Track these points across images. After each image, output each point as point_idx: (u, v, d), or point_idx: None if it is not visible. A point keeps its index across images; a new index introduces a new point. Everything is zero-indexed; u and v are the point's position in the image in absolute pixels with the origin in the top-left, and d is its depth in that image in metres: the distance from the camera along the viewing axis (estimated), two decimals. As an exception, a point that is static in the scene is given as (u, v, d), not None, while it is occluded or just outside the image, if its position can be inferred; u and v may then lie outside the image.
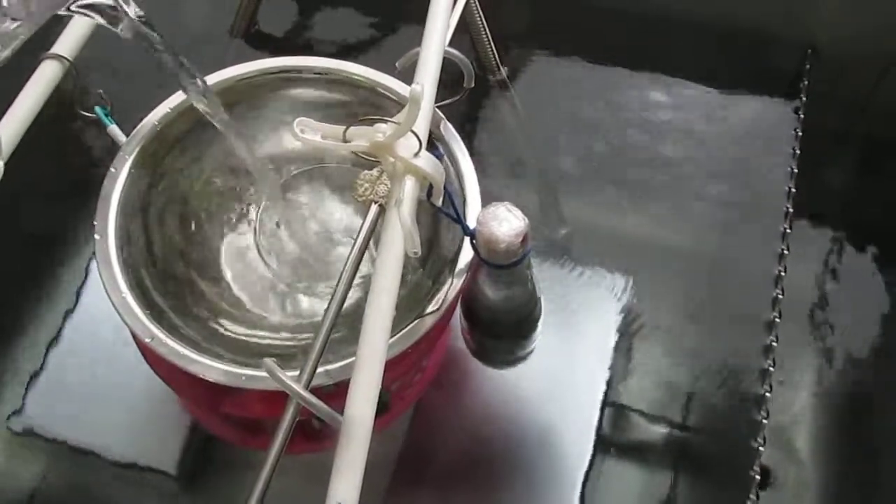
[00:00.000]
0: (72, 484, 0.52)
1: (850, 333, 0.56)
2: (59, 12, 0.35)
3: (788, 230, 0.57)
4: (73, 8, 0.35)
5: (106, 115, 0.49)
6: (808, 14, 0.64)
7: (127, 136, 0.47)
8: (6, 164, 0.41)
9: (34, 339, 0.56)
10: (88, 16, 0.36)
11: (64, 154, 0.61)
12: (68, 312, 0.56)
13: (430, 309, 0.42)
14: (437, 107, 0.46)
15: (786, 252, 0.56)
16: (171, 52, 0.38)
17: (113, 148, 0.47)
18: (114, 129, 0.48)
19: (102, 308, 0.42)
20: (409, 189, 0.37)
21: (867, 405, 0.55)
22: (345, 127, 0.37)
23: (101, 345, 0.55)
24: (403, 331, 0.41)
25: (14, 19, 0.32)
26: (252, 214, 0.50)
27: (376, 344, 0.35)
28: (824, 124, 0.63)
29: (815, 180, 0.60)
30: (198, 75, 0.41)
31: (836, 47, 0.65)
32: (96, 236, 0.43)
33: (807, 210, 0.59)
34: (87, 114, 0.49)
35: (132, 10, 0.36)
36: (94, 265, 0.57)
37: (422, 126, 0.38)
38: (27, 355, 0.55)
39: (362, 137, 0.37)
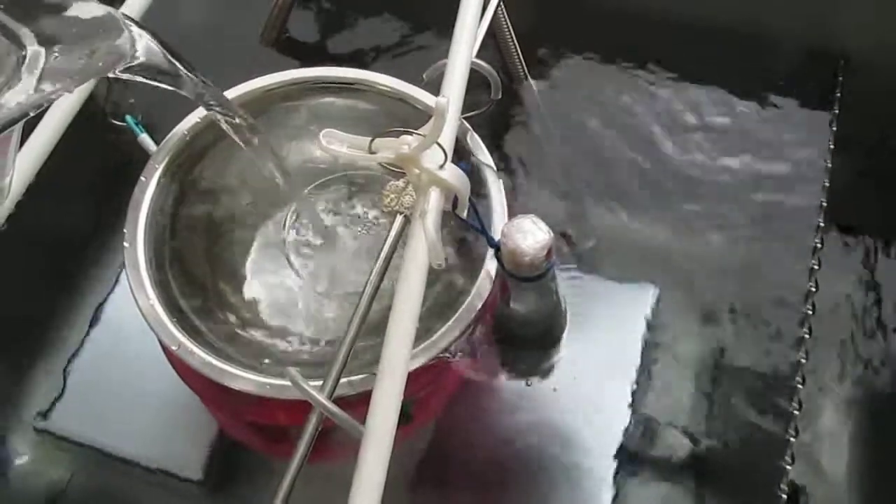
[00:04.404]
0: (97, 486, 0.53)
1: (882, 350, 0.55)
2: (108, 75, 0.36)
3: (820, 245, 0.56)
4: (118, 72, 0.36)
5: (137, 125, 0.49)
6: (842, 25, 0.63)
7: (157, 145, 0.48)
8: (37, 176, 0.42)
9: (63, 342, 0.56)
10: (131, 79, 0.37)
11: (94, 163, 0.62)
12: (97, 317, 0.57)
13: (453, 319, 0.42)
14: (464, 117, 0.46)
15: (816, 267, 0.55)
16: (197, 80, 0.39)
17: (143, 157, 0.47)
18: (144, 138, 0.49)
19: (131, 313, 0.43)
20: (433, 200, 0.37)
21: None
22: (370, 138, 0.37)
23: (130, 349, 0.55)
24: (427, 342, 0.41)
25: (52, 83, 0.33)
26: (280, 223, 0.51)
27: (399, 355, 0.35)
28: (857, 136, 0.62)
29: (847, 193, 0.59)
30: (223, 98, 0.41)
31: (869, 58, 0.64)
32: (125, 244, 0.44)
33: (839, 224, 0.58)
34: (119, 123, 0.50)
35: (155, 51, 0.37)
36: (123, 272, 0.58)
37: (447, 138, 0.38)
38: (56, 358, 0.56)
39: (388, 149, 0.37)
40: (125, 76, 0.36)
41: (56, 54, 0.34)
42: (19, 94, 0.32)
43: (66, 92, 0.33)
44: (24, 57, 0.33)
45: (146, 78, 0.37)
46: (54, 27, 0.34)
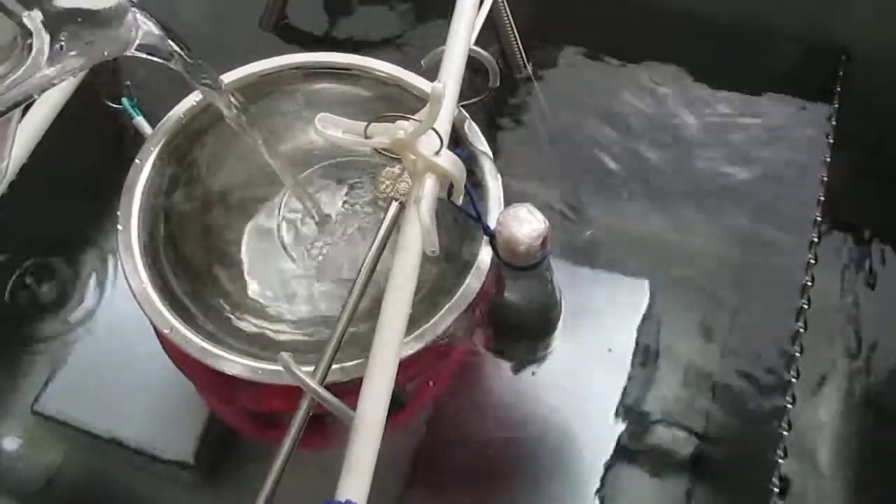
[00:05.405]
0: (90, 470, 0.53)
1: (876, 345, 0.55)
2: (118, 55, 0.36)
3: (816, 239, 0.56)
4: (129, 53, 0.36)
5: (133, 107, 0.49)
6: (842, 19, 0.63)
7: (153, 128, 0.48)
8: (31, 157, 0.42)
9: (58, 326, 0.56)
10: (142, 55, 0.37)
11: (89, 145, 0.62)
12: (93, 301, 0.57)
13: (447, 307, 0.42)
14: (462, 105, 0.46)
15: (813, 262, 0.55)
16: (195, 63, 0.39)
17: (139, 139, 0.47)
18: (140, 120, 0.49)
19: (126, 298, 0.43)
20: (428, 187, 0.37)
21: (892, 417, 0.54)
22: (366, 123, 0.37)
23: (125, 334, 0.55)
24: (420, 329, 0.41)
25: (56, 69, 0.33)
26: (275, 208, 0.50)
27: (391, 341, 0.35)
28: (857, 131, 0.62)
29: (846, 192, 0.59)
30: (218, 81, 0.42)
31: (870, 53, 0.63)
32: (119, 227, 0.44)
33: (837, 219, 0.58)
34: (114, 105, 0.50)
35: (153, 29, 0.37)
36: (117, 255, 0.58)
37: (443, 124, 0.38)
38: (51, 342, 0.56)
39: (383, 134, 0.37)
40: (142, 55, 0.37)
41: (62, 41, 0.34)
42: (23, 79, 0.33)
43: (70, 77, 0.34)
44: (30, 43, 0.33)
45: (144, 54, 0.37)
46: (60, 13, 0.35)
